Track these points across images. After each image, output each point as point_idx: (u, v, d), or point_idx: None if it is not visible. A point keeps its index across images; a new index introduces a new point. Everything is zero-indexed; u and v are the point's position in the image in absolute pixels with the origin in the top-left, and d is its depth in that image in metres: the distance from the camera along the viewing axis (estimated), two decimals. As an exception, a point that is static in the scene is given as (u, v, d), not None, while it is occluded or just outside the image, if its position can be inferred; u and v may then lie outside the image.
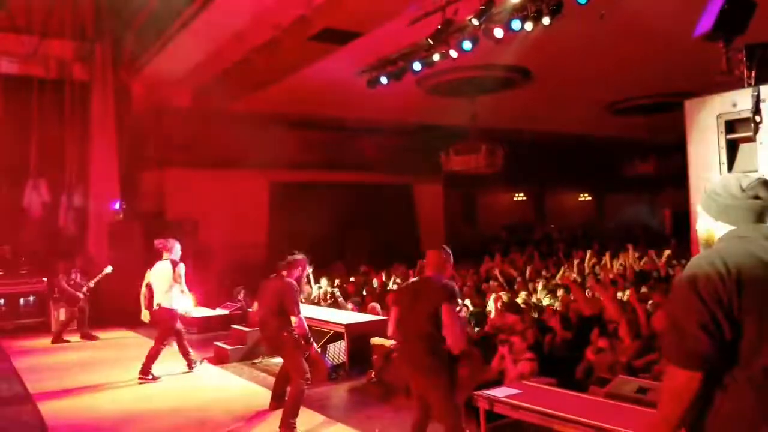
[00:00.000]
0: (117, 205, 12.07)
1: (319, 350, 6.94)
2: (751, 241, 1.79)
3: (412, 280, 4.43)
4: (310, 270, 7.05)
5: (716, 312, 1.66)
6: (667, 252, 11.33)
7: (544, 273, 11.10)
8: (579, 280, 10.10)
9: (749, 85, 2.57)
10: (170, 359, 8.46)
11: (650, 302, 7.02)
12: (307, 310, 6.30)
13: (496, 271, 11.46)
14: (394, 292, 4.53)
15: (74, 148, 12.29)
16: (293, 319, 4.98)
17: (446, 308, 3.71)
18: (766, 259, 1.74)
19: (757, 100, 2.45)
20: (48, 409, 5.96)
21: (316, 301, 10.07)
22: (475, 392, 4.88)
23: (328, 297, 9.62)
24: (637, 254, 11.63)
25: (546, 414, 4.34)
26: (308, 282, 7.33)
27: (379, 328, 7.20)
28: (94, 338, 9.91)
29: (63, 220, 12.23)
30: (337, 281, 10.77)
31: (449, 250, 4.08)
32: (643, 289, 8.09)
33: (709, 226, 1.96)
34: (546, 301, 8.47)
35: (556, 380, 5.30)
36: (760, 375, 1.67)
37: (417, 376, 3.95)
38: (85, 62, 12.34)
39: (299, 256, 5.47)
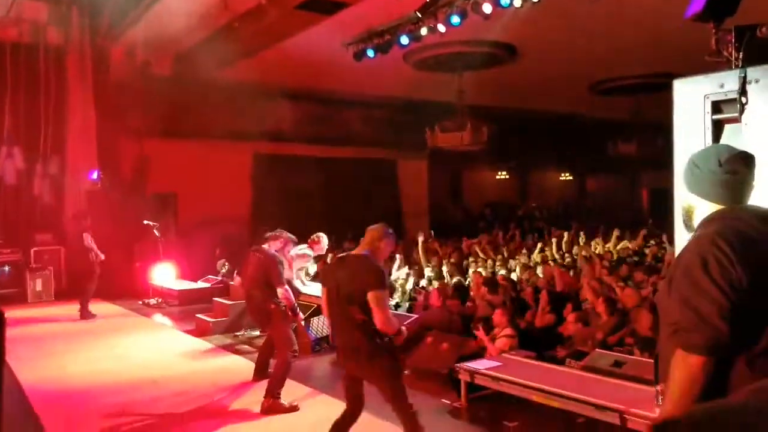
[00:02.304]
0: (95, 175, 11.87)
1: (303, 323, 6.99)
2: (743, 222, 1.78)
3: (339, 256, 3.95)
4: (298, 250, 6.87)
5: (732, 297, 1.64)
6: (643, 232, 11.53)
7: (524, 251, 11.26)
8: (558, 258, 10.28)
9: (737, 66, 2.60)
10: (151, 331, 8.46)
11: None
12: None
13: (478, 249, 11.61)
14: (322, 271, 4.14)
15: (50, 114, 12.00)
16: (279, 290, 4.99)
17: (373, 295, 3.37)
18: (761, 240, 1.73)
19: (744, 82, 2.48)
20: (27, 378, 5.94)
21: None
22: (457, 364, 4.99)
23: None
24: (617, 233, 11.82)
25: (525, 386, 4.46)
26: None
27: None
28: (92, 317, 9.06)
29: (38, 189, 12.02)
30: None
31: (391, 231, 3.71)
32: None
33: (688, 199, 1.95)
34: (520, 275, 8.60)
35: (535, 354, 5.42)
36: (760, 359, 1.67)
37: (355, 364, 3.58)
38: (60, 26, 12.00)
39: (279, 232, 5.49)
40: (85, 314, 9.01)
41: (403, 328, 3.60)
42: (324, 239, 7.09)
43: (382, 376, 3.48)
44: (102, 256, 9.28)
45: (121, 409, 5.02)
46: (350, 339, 3.50)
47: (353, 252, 3.70)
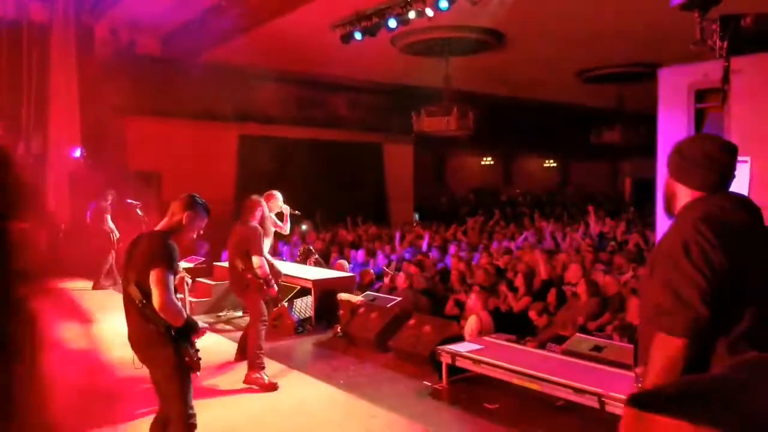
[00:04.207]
0: (78, 153, 11.71)
1: (286, 304, 7.02)
2: (725, 208, 1.83)
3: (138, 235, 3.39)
4: (281, 204, 6.46)
5: (712, 281, 1.69)
6: (622, 225, 11.68)
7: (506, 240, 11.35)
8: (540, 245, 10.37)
9: (721, 56, 2.64)
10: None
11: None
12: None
13: (460, 235, 11.71)
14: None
15: (32, 92, 11.78)
16: (255, 259, 5.01)
17: (153, 273, 2.94)
18: (740, 226, 1.79)
19: (727, 71, 2.51)
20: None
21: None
22: (439, 347, 5.05)
23: (308, 258, 9.45)
24: (598, 221, 11.94)
25: (506, 369, 4.53)
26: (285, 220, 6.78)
27: (345, 284, 7.31)
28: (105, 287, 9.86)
29: (20, 167, 11.83)
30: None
31: (199, 204, 3.30)
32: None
33: (670, 186, 2.00)
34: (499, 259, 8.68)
35: (516, 337, 5.50)
36: (739, 342, 1.72)
37: (138, 353, 3.15)
38: (44, 2, 11.74)
39: (255, 197, 5.49)
40: (97, 286, 9.77)
41: (204, 325, 3.18)
42: (276, 194, 6.32)
43: (159, 368, 3.09)
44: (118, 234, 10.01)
45: (100, 389, 5.01)
46: (132, 325, 3.11)
47: (149, 229, 3.19)
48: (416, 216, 17.22)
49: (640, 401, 1.25)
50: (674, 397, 1.24)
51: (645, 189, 14.94)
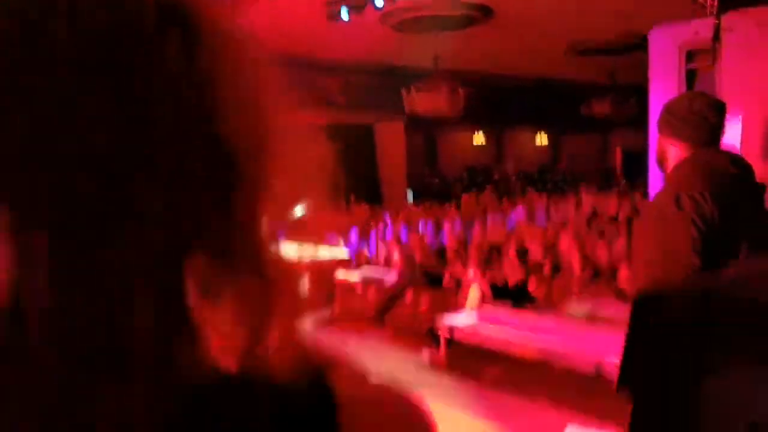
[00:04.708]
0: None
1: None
2: (715, 163, 1.85)
3: None
4: None
5: (705, 233, 1.70)
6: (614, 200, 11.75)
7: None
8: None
9: (712, 13, 2.63)
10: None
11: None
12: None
13: (454, 210, 11.76)
14: None
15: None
16: None
17: None
18: (731, 180, 1.81)
19: (718, 29, 2.51)
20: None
21: None
22: (436, 320, 5.10)
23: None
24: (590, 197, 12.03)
25: (503, 338, 4.59)
26: None
27: (341, 264, 7.33)
28: None
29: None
30: None
31: None
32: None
33: (662, 144, 2.02)
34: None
35: (511, 302, 5.58)
36: None
37: None
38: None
39: None
40: None
41: None
42: None
43: None
44: None
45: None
46: None
47: None
48: (409, 196, 17.22)
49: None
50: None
51: (635, 160, 15.02)
